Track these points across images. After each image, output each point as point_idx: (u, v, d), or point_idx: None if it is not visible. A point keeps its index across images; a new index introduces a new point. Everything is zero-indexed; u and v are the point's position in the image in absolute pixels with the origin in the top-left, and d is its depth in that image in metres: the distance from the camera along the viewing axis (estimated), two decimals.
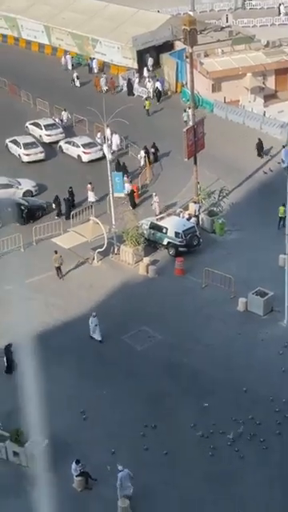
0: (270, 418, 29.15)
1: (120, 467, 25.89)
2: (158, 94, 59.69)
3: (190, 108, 53.28)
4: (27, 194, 46.22)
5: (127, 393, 30.91)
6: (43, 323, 35.20)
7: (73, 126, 55.61)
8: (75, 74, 63.30)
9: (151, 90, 59.72)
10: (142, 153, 49.49)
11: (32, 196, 46.21)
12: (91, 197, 45.36)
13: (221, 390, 30.73)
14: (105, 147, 46.53)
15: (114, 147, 50.98)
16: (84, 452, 27.63)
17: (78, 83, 62.74)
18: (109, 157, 44.03)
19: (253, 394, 30.48)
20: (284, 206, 39.74)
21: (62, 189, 45.84)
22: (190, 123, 50.23)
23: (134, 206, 45.15)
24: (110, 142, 49.72)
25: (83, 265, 39.97)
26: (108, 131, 48.11)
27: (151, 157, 49.93)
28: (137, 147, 51.34)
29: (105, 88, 60.76)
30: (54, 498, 26.37)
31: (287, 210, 38.67)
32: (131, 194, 45.33)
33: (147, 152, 49.70)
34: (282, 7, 73.69)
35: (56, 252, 38.83)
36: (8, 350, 32.31)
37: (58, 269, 38.75)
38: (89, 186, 45.50)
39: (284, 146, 49.35)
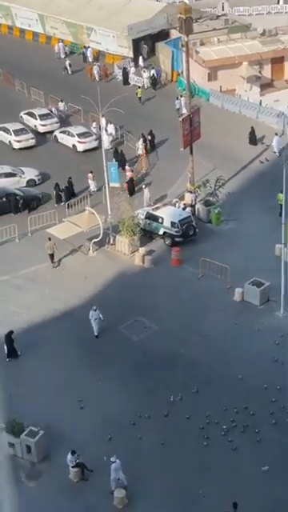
0: (266, 409, 29.10)
1: (112, 458, 25.83)
2: (154, 81, 59.50)
3: (182, 96, 53.61)
4: (30, 182, 46.24)
5: (123, 383, 30.83)
6: (39, 314, 35.09)
7: (69, 116, 55.18)
8: (67, 62, 63.08)
9: (145, 80, 59.36)
10: (141, 141, 49.30)
11: (35, 185, 46.15)
12: (92, 186, 45.26)
13: (217, 381, 30.67)
14: (104, 136, 46.48)
15: (110, 137, 50.77)
16: (80, 443, 27.58)
17: (70, 71, 62.52)
18: (106, 145, 43.70)
19: (249, 384, 30.43)
20: (282, 192, 39.53)
21: (59, 178, 45.73)
22: (184, 111, 50.87)
23: (132, 193, 45.07)
24: (107, 131, 49.63)
25: (76, 252, 39.82)
26: (103, 121, 47.91)
27: (148, 145, 49.73)
28: (132, 136, 51.14)
29: (98, 76, 60.70)
30: (51, 489, 26.42)
31: (285, 197, 38.39)
32: (130, 182, 45.26)
33: (145, 140, 49.53)
34: None
35: (50, 239, 38.74)
36: (9, 337, 32.56)
37: (51, 256, 38.71)
38: (90, 174, 45.35)
39: (277, 134, 49.22)
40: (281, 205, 40.21)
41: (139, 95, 56.95)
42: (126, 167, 46.12)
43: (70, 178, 45.33)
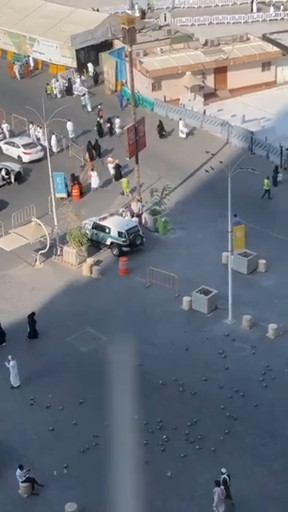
0: (214, 416, 29.21)
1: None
2: (96, 77, 61.07)
3: (89, 92, 57.67)
4: (18, 175, 48.11)
5: (72, 395, 30.59)
6: None
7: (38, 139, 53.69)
8: None
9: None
10: (118, 126, 51.50)
11: (21, 176, 47.87)
12: (95, 183, 46.58)
13: (166, 389, 30.67)
14: (53, 141, 48.63)
15: (54, 147, 50.46)
16: (29, 457, 27.25)
17: None
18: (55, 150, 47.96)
19: (198, 392, 30.51)
20: (268, 178, 44.12)
21: None
22: (89, 108, 55.62)
23: (119, 177, 47.05)
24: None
25: (22, 264, 39.44)
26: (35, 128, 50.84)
27: (93, 154, 50.09)
28: (76, 146, 51.08)
29: (19, 75, 62.72)
30: (0, 506, 25.99)
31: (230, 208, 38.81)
32: (117, 168, 47.47)
33: (89, 149, 49.72)
34: (254, 3, 74.15)
35: None
36: (31, 318, 33.55)
37: None
38: (91, 172, 46.92)
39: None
40: (265, 190, 44.46)
41: (49, 91, 58.16)
42: (109, 159, 48.57)
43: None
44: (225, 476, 25.36)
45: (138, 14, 70.54)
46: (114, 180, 47.48)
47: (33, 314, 33.96)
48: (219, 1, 76.55)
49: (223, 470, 25.49)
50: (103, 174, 47.83)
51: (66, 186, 45.33)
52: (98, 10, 69.53)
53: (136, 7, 71.68)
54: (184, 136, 52.47)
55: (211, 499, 25.06)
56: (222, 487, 25.01)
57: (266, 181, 44.80)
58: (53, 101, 55.93)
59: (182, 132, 52.62)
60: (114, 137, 53.14)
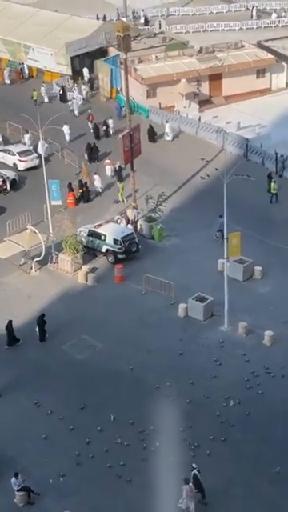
0: (209, 423, 29.11)
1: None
2: (91, 83, 61.32)
3: (74, 98, 57.93)
4: (13, 182, 48.26)
5: (68, 403, 30.48)
6: None
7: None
8: None
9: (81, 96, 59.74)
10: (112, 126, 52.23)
11: (16, 184, 48.15)
12: (99, 186, 47.34)
13: (162, 397, 30.57)
14: (39, 149, 47.80)
15: (41, 151, 50.29)
16: (25, 465, 27.12)
17: None
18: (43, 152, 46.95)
19: (194, 399, 30.42)
20: (275, 182, 44.79)
21: None
22: (76, 113, 56.06)
23: (121, 179, 47.29)
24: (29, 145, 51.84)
25: (18, 271, 39.37)
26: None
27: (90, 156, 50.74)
28: (71, 153, 51.06)
29: (8, 80, 63.26)
30: None
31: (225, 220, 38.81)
32: (119, 170, 47.71)
33: (88, 151, 50.30)
34: (254, 10, 74.53)
35: None
36: (41, 319, 33.69)
37: None
38: (95, 176, 47.47)
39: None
40: (272, 193, 44.92)
41: (34, 98, 58.35)
42: (107, 161, 49.16)
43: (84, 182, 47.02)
44: (195, 471, 25.29)
45: (142, 21, 71.15)
46: (118, 182, 47.33)
47: (42, 315, 34.05)
48: (214, 8, 76.92)
49: (194, 465, 25.47)
50: (101, 177, 47.88)
51: (73, 189, 46.10)
52: (104, 18, 69.54)
53: (141, 13, 72.03)
54: (170, 138, 52.88)
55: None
56: (190, 484, 24.98)
57: (272, 184, 45.07)
58: (42, 107, 55.84)
59: (167, 135, 53.12)
60: (110, 139, 53.27)
